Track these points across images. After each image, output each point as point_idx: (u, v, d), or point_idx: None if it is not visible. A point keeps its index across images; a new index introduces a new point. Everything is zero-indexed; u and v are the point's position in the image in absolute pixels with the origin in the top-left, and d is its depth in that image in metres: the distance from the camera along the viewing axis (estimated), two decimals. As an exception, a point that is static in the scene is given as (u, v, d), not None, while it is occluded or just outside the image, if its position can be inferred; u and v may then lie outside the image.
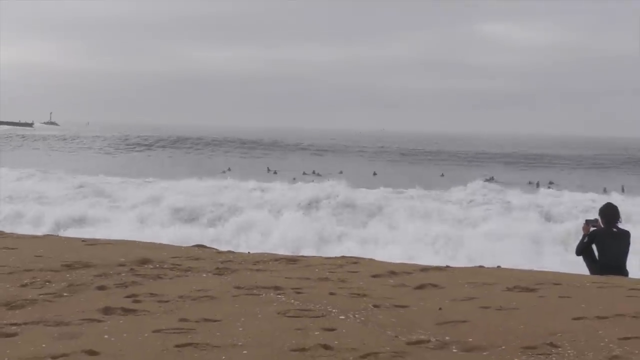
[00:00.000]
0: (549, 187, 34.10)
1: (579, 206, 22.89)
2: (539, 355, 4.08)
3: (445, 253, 17.14)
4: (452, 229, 19.23)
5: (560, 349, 4.18)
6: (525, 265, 11.23)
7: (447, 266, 7.77)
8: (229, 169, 43.34)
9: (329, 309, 5.10)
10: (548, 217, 21.62)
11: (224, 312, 4.94)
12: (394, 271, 6.93)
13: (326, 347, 4.12)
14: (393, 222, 20.23)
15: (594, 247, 8.67)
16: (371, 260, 8.19)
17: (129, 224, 19.53)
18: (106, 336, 4.29)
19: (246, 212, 20.64)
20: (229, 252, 8.46)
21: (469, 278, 6.67)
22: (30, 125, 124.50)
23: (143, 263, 6.91)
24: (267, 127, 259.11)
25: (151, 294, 5.51)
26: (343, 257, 8.36)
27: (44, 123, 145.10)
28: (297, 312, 5.00)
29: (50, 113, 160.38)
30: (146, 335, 4.32)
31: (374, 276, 6.68)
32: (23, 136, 78.64)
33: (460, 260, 14.95)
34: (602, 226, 8.66)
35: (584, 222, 8.89)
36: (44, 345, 4.06)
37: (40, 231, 15.52)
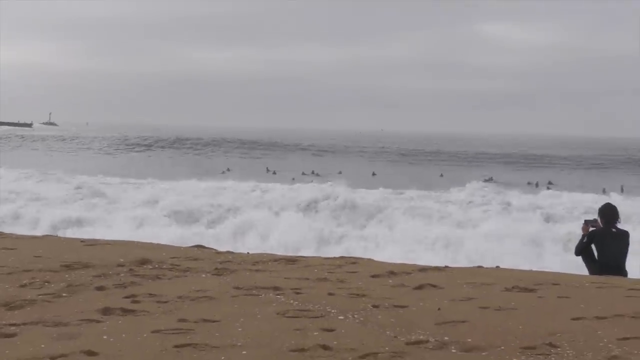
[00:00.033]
0: (548, 188, 34.11)
1: (578, 206, 22.89)
2: (538, 356, 4.08)
3: (444, 253, 17.14)
4: (451, 230, 19.23)
5: (559, 349, 4.18)
6: (524, 265, 11.24)
7: (446, 266, 7.77)
8: (228, 169, 43.38)
9: (328, 310, 5.10)
10: (547, 218, 21.62)
11: (223, 312, 4.94)
12: (393, 271, 6.93)
13: (325, 347, 4.12)
14: (392, 223, 20.22)
15: (593, 247, 8.68)
16: (370, 260, 8.20)
17: (128, 225, 19.53)
18: (105, 336, 4.28)
19: (245, 213, 20.64)
20: (228, 252, 8.46)
21: (468, 278, 6.67)
22: (29, 125, 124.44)
23: (142, 263, 6.91)
24: (267, 127, 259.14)
25: (150, 294, 5.51)
26: (342, 257, 8.37)
27: (43, 123, 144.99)
28: (296, 312, 5.00)
29: (50, 113, 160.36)
30: (145, 335, 4.32)
31: (373, 276, 6.68)
32: (22, 136, 78.61)
33: (459, 261, 14.96)
34: (602, 226, 8.67)
35: (583, 222, 8.90)
36: (43, 346, 4.06)
37: (39, 232, 15.50)
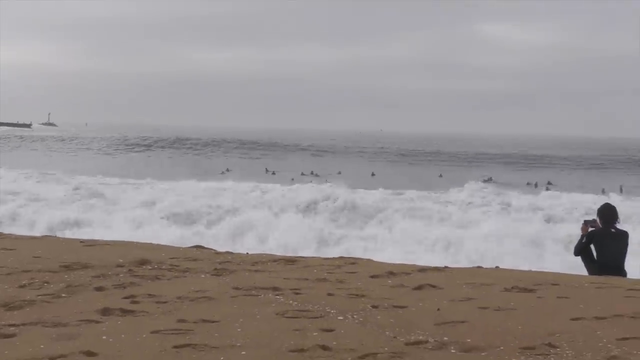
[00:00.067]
0: (547, 188, 34.14)
1: (577, 207, 22.90)
2: (538, 356, 4.08)
3: (444, 254, 17.13)
4: (450, 230, 19.23)
5: (558, 349, 4.18)
6: (523, 265, 11.24)
7: (446, 267, 7.77)
8: (228, 170, 43.40)
9: (328, 310, 5.10)
10: (546, 218, 21.63)
11: (222, 312, 4.94)
12: (392, 272, 6.93)
13: (324, 347, 4.12)
14: (391, 224, 20.22)
15: (592, 247, 8.68)
16: (369, 260, 8.20)
17: (127, 225, 19.52)
18: (104, 337, 4.28)
19: (244, 213, 20.63)
20: (228, 252, 8.45)
21: (467, 279, 6.67)
22: (29, 126, 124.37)
23: (141, 264, 6.91)
24: (267, 128, 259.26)
25: (149, 294, 5.51)
26: (341, 257, 8.37)
27: (42, 124, 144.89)
28: (295, 312, 5.00)
29: (49, 114, 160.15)
30: (144, 336, 4.32)
31: (372, 277, 6.68)
32: (21, 137, 78.58)
33: (458, 261, 14.96)
34: (601, 227, 8.67)
35: (583, 222, 8.90)
36: (42, 346, 4.06)
37: (37, 233, 15.50)
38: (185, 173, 36.43)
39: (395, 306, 5.29)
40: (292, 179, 35.21)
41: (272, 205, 22.16)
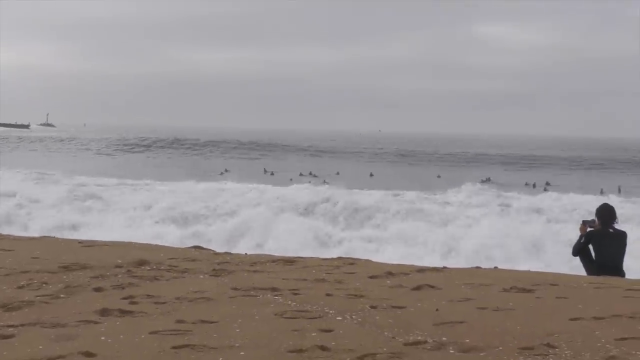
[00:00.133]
0: (545, 189, 34.16)
1: (576, 207, 22.91)
2: (536, 356, 4.08)
3: (442, 254, 17.14)
4: (449, 231, 19.24)
5: (557, 349, 4.19)
6: (522, 266, 11.24)
7: (444, 267, 7.77)
8: (227, 170, 43.40)
9: (326, 310, 5.10)
10: (544, 218, 21.64)
11: (221, 313, 4.94)
12: (391, 272, 6.94)
13: (323, 348, 4.12)
14: (389, 224, 20.22)
15: (590, 247, 8.69)
16: (368, 261, 8.20)
17: (126, 226, 19.52)
18: (103, 338, 4.28)
19: (243, 214, 20.63)
20: (226, 253, 8.45)
21: (465, 279, 6.67)
22: (27, 126, 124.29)
23: (140, 264, 6.91)
24: (267, 128, 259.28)
25: (148, 295, 5.50)
26: (340, 258, 8.37)
27: (41, 125, 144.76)
28: (294, 313, 5.00)
29: (47, 114, 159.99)
30: (143, 336, 4.32)
31: (371, 277, 6.68)
32: (19, 138, 78.56)
33: (457, 262, 14.96)
34: (599, 227, 8.68)
35: (581, 222, 8.91)
36: (40, 347, 4.06)
37: (35, 234, 15.49)
38: (184, 174, 36.44)
39: (393, 306, 5.29)
40: (291, 179, 35.23)
41: (271, 205, 22.15)
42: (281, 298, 5.53)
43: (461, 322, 4.80)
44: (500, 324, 4.79)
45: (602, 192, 30.61)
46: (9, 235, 10.03)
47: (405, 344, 4.27)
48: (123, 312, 4.92)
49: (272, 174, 42.39)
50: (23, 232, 15.74)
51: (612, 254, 8.50)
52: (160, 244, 9.98)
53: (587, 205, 21.30)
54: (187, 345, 4.12)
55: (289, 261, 7.63)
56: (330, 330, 4.53)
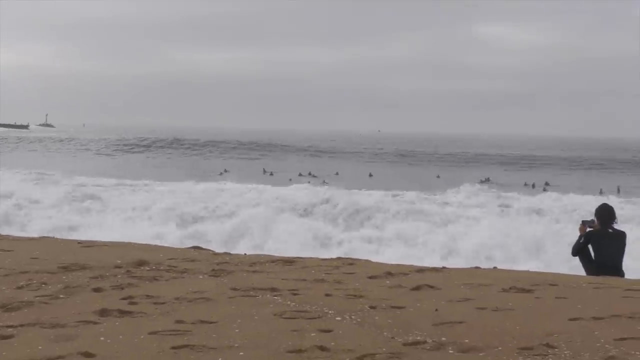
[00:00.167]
0: (544, 189, 34.16)
1: (575, 207, 22.92)
2: (535, 356, 4.08)
3: (441, 254, 17.14)
4: (448, 231, 19.24)
5: (556, 349, 4.19)
6: (521, 266, 11.24)
7: (444, 267, 7.78)
8: (226, 171, 43.40)
9: (325, 311, 5.10)
10: (543, 219, 21.65)
11: (220, 313, 4.94)
12: (390, 272, 6.94)
13: (322, 348, 4.12)
14: (389, 225, 20.22)
15: (590, 247, 8.69)
16: (367, 261, 8.20)
17: (125, 227, 19.51)
18: (102, 338, 4.28)
19: (242, 214, 20.62)
20: (225, 253, 8.45)
21: (465, 279, 6.68)
22: (26, 127, 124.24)
23: (139, 265, 6.91)
24: (266, 128, 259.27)
25: (147, 295, 5.50)
26: (339, 258, 8.37)
27: (40, 125, 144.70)
28: (293, 313, 5.00)
29: (46, 115, 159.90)
30: (142, 337, 4.32)
31: (370, 277, 6.68)
32: (19, 138, 78.50)
33: (457, 262, 14.96)
34: (599, 227, 8.68)
35: (581, 222, 8.92)
36: (40, 347, 4.06)
37: (35, 234, 15.49)
38: (183, 174, 36.44)
39: (393, 307, 5.29)
40: (290, 180, 35.23)
41: (270, 206, 22.15)
42: (280, 298, 5.53)
43: (460, 322, 4.80)
44: (499, 324, 4.79)
45: (601, 193, 30.62)
46: (8, 236, 10.03)
47: (405, 344, 4.27)
48: (122, 313, 4.92)
49: (271, 174, 42.39)
50: (22, 233, 15.72)
51: (611, 254, 8.51)
52: (160, 244, 9.98)
53: (586, 206, 21.30)
54: (186, 346, 4.12)
55: (288, 261, 7.63)
56: (329, 331, 4.53)
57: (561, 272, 8.23)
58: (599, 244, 8.57)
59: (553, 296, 5.88)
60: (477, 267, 8.30)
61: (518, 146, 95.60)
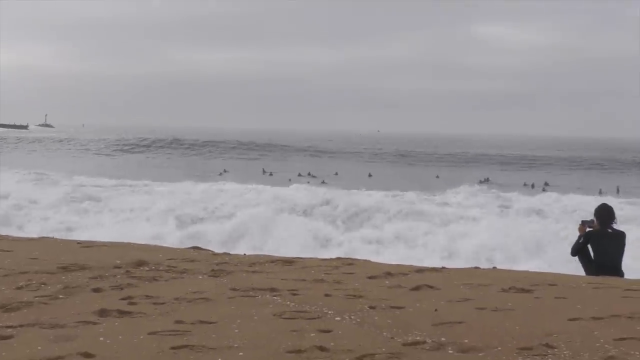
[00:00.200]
0: (544, 189, 34.18)
1: (574, 207, 22.93)
2: (535, 356, 4.08)
3: (441, 254, 17.14)
4: (448, 231, 19.24)
5: (556, 349, 4.19)
6: (521, 266, 11.24)
7: (443, 267, 7.78)
8: (226, 171, 43.41)
9: (325, 311, 5.10)
10: (543, 219, 21.65)
11: (219, 314, 4.94)
12: (389, 272, 6.94)
13: (322, 348, 4.12)
14: (388, 225, 20.22)
15: (589, 247, 8.69)
16: (367, 261, 8.20)
17: (124, 227, 19.50)
18: (102, 338, 4.28)
19: (242, 215, 20.61)
20: (225, 254, 8.45)
21: (464, 279, 6.68)
22: (25, 127, 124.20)
23: (139, 265, 6.91)
24: (266, 128, 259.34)
25: (147, 296, 5.50)
26: (339, 258, 8.37)
27: (39, 125, 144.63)
28: (293, 313, 5.00)
29: (46, 115, 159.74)
30: (142, 337, 4.32)
31: (369, 277, 6.68)
32: (18, 138, 78.50)
33: (456, 262, 14.96)
34: (598, 227, 8.68)
35: (580, 222, 8.92)
36: (39, 348, 4.06)
37: (34, 234, 15.47)
38: (183, 174, 36.44)
39: (392, 307, 5.29)
40: (290, 180, 35.24)
41: (269, 206, 22.15)
42: (280, 298, 5.53)
43: (460, 323, 4.80)
44: (499, 324, 4.79)
45: (600, 193, 30.64)
46: (7, 236, 10.02)
47: (404, 344, 4.27)
48: (122, 313, 4.92)
49: (270, 174, 42.40)
50: (21, 233, 15.71)
51: (610, 254, 8.51)
52: (159, 244, 9.97)
53: (586, 206, 21.30)
54: (185, 346, 4.12)
55: (288, 262, 7.63)
56: (329, 331, 4.52)
57: (561, 272, 8.22)
58: (599, 244, 8.57)
59: (552, 296, 5.88)
60: (476, 267, 8.30)
61: (518, 146, 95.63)
